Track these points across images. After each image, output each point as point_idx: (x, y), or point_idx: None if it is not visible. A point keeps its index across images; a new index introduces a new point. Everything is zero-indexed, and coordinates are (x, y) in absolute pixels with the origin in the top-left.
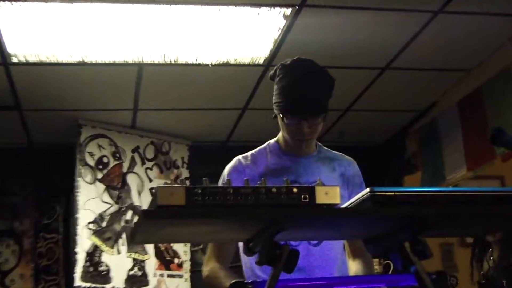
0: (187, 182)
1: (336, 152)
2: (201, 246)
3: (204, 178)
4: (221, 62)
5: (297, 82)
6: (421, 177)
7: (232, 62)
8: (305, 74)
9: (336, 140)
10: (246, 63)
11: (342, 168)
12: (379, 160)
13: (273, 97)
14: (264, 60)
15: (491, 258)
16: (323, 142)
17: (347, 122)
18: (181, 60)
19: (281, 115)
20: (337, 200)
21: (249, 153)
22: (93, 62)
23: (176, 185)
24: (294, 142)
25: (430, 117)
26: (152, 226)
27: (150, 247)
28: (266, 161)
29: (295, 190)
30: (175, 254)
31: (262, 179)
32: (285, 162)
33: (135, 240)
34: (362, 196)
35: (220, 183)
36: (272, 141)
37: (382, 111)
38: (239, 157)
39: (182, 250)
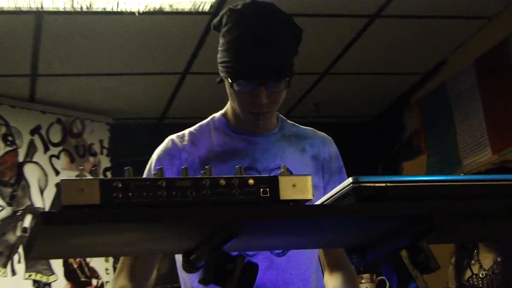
0: (109, 174)
1: (305, 127)
2: None
3: (126, 168)
4: (152, 9)
5: (252, 34)
6: (426, 163)
7: (167, 8)
8: (263, 23)
9: (310, 115)
10: (186, 10)
11: (314, 148)
12: (369, 141)
13: (218, 55)
14: (211, 5)
15: (478, 262)
16: (292, 118)
17: (324, 89)
18: (96, 7)
19: (229, 80)
20: (308, 195)
21: (186, 131)
22: None
23: (87, 178)
24: (248, 116)
25: (437, 81)
26: (55, 235)
27: (57, 264)
28: (210, 142)
29: (251, 181)
30: (93, 273)
31: (206, 167)
32: (237, 143)
33: (32, 255)
34: (342, 188)
35: (146, 174)
36: (217, 114)
37: (372, 75)
38: (173, 136)
39: (103, 267)
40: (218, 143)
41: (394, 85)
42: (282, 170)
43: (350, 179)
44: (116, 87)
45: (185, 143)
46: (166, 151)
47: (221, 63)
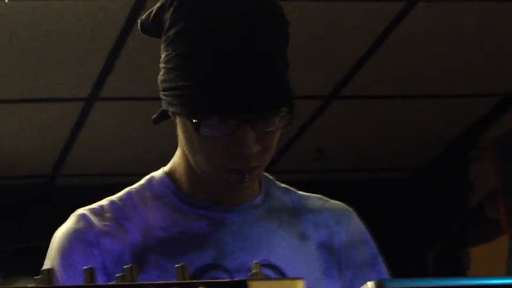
0: None
1: (306, 194)
2: None
3: None
4: None
5: (225, 39)
6: (508, 248)
7: None
8: (240, 18)
9: (309, 168)
10: None
11: (322, 231)
12: (412, 212)
13: (162, 76)
14: None
15: None
16: (279, 175)
17: (332, 124)
18: None
19: (189, 118)
20: None
21: (104, 202)
22: None
23: None
24: (223, 176)
25: None
26: None
27: None
28: (146, 220)
29: None
30: None
31: (126, 267)
32: (192, 223)
33: None
34: None
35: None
36: (157, 174)
37: (413, 99)
38: (84, 211)
39: None
40: (161, 223)
41: (453, 115)
42: (255, 270)
43: (368, 286)
44: None
45: (106, 222)
46: (77, 236)
47: (168, 90)
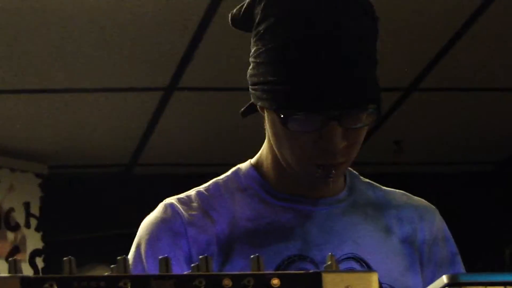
0: (39, 262)
1: (390, 189)
2: None
3: (66, 259)
4: None
5: (316, 35)
6: None
7: None
8: (332, 14)
9: (387, 161)
10: None
11: (406, 226)
12: (491, 205)
13: (252, 70)
14: None
15: None
16: (357, 168)
17: (411, 118)
18: None
19: (278, 113)
20: None
21: (192, 192)
22: None
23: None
24: (310, 171)
25: None
26: None
27: None
28: (233, 211)
29: (275, 282)
30: None
31: (201, 257)
32: (279, 215)
33: None
34: None
35: (133, 267)
36: (244, 166)
37: (494, 91)
38: (172, 200)
39: None
40: (248, 215)
41: None
42: (329, 262)
43: (444, 279)
44: (53, 112)
45: (193, 212)
46: (164, 225)
47: (257, 84)
